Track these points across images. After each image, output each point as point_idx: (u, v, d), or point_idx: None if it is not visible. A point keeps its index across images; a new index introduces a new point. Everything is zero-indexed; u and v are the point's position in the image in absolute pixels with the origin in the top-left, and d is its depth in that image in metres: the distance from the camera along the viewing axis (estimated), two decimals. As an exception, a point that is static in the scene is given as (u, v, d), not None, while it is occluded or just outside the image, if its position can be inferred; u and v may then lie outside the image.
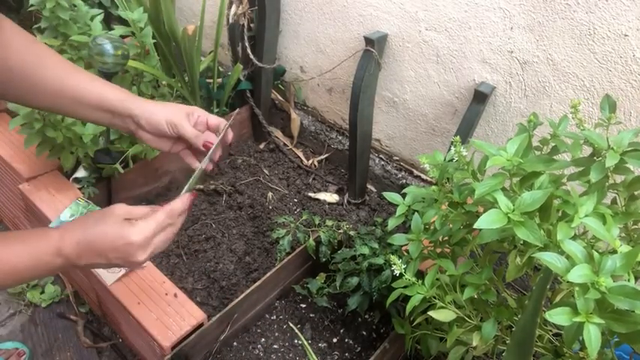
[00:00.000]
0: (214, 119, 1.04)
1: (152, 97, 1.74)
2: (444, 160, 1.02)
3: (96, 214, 0.88)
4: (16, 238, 0.84)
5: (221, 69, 2.17)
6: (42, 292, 1.56)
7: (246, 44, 1.82)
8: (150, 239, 0.87)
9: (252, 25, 1.82)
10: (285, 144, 2.02)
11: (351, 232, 1.46)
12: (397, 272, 0.98)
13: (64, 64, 0.97)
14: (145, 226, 0.86)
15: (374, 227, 1.49)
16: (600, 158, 0.81)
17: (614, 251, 0.74)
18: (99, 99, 0.97)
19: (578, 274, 0.66)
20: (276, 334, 1.43)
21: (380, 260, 1.29)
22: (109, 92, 0.99)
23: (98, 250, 0.84)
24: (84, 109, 0.98)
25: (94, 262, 0.86)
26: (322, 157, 1.97)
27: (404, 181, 1.75)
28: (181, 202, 0.92)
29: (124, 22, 1.64)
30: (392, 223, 1.08)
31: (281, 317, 1.47)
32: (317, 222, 1.51)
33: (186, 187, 0.96)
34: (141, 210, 0.90)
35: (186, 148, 1.06)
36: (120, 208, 0.88)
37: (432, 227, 1.06)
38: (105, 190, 1.56)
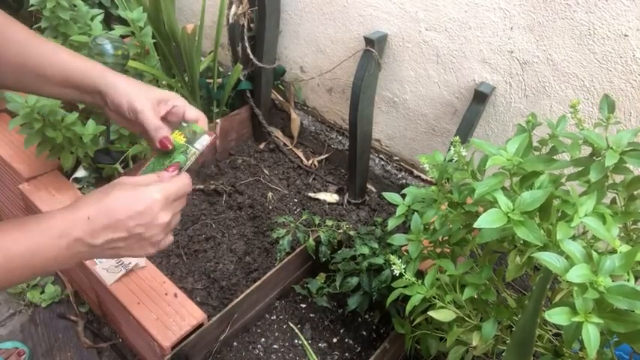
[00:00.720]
0: (193, 112, 0.93)
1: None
2: (444, 160, 1.02)
3: (100, 189, 0.78)
4: (13, 224, 0.71)
5: (221, 69, 2.17)
6: (42, 292, 1.56)
7: (246, 44, 1.82)
8: (170, 199, 0.79)
9: (252, 25, 1.82)
10: (285, 144, 2.02)
11: (351, 232, 1.46)
12: (397, 272, 0.98)
13: (26, 37, 0.87)
14: (164, 185, 0.79)
15: (374, 227, 1.49)
16: (600, 158, 0.81)
17: (614, 251, 0.74)
18: (63, 73, 0.87)
19: (577, 274, 0.66)
20: (276, 334, 1.43)
21: (380, 260, 1.29)
22: (74, 65, 0.88)
23: (116, 218, 0.74)
24: (49, 86, 0.89)
25: (112, 237, 0.74)
26: (322, 157, 1.97)
27: (404, 181, 1.75)
28: (187, 177, 0.85)
29: (124, 22, 1.64)
30: (392, 223, 1.08)
31: (281, 317, 1.47)
32: (317, 222, 1.51)
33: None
34: (149, 177, 0.83)
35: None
36: (126, 178, 0.79)
37: (431, 227, 1.06)
38: (105, 190, 1.56)
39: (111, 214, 0.74)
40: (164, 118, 0.92)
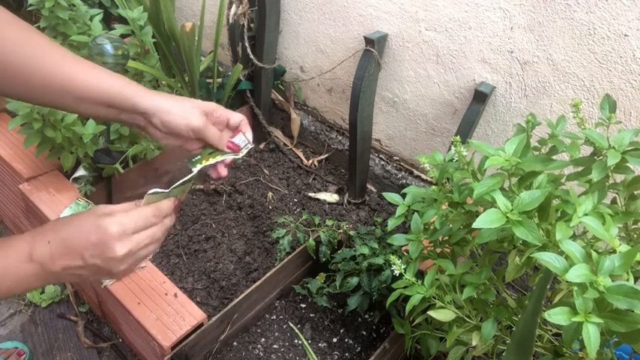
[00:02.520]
0: (236, 117, 0.95)
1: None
2: (444, 160, 1.02)
3: (71, 215, 0.79)
4: None
5: (221, 69, 2.17)
6: (42, 292, 1.56)
7: (246, 44, 1.82)
8: (129, 232, 0.76)
9: (252, 25, 1.82)
10: (285, 144, 2.02)
11: (351, 232, 1.46)
12: (397, 272, 0.98)
13: (62, 56, 0.85)
14: (125, 216, 0.76)
15: (374, 227, 1.49)
16: (601, 157, 0.81)
17: (614, 251, 0.74)
18: (101, 94, 0.86)
19: (577, 274, 0.66)
20: (276, 334, 1.43)
21: (380, 260, 1.29)
22: (112, 86, 0.86)
23: (72, 248, 0.74)
24: (87, 106, 0.86)
25: (69, 265, 0.74)
26: (322, 157, 1.97)
27: (404, 181, 1.75)
28: (168, 203, 0.83)
29: (123, 22, 1.64)
30: (392, 223, 1.08)
31: (281, 317, 1.47)
32: (317, 222, 1.51)
33: (179, 183, 0.86)
34: (123, 205, 0.80)
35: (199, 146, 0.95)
36: (101, 207, 0.78)
37: (431, 227, 1.06)
38: (105, 190, 1.56)
39: (67, 243, 0.74)
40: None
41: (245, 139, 0.98)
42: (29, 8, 1.38)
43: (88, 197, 1.47)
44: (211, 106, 0.94)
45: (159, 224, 0.81)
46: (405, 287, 0.99)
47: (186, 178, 0.87)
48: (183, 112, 0.89)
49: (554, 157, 0.84)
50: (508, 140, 0.83)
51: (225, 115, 0.95)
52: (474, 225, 0.75)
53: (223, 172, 0.97)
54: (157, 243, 0.82)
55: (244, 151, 0.98)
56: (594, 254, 0.68)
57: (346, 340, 1.42)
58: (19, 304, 1.56)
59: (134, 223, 0.77)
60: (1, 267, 0.72)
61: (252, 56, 1.83)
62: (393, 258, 0.98)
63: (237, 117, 0.96)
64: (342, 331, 1.44)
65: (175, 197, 0.87)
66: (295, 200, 1.81)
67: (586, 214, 0.75)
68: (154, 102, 0.88)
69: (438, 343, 1.12)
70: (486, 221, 0.75)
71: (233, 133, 0.98)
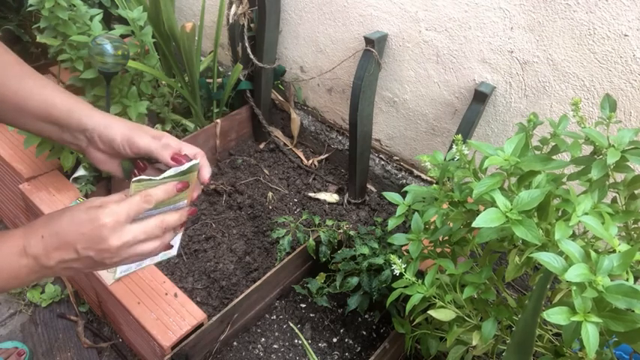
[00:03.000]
0: (190, 150, 0.86)
1: (152, 97, 1.74)
2: (445, 159, 1.02)
3: (63, 208, 0.77)
4: None
5: (221, 69, 2.17)
6: (42, 292, 1.56)
7: (246, 44, 1.82)
8: (123, 222, 0.74)
9: (252, 25, 1.82)
10: (285, 144, 2.02)
11: (351, 232, 1.46)
12: (397, 272, 0.98)
13: (12, 67, 0.84)
14: (116, 206, 0.74)
15: (374, 227, 1.49)
16: (601, 156, 0.81)
17: (614, 250, 0.74)
18: (44, 108, 0.83)
19: (575, 274, 0.66)
20: (276, 334, 1.43)
21: (380, 260, 1.29)
22: (57, 100, 0.84)
23: (65, 240, 0.72)
24: (27, 119, 0.85)
25: (64, 258, 0.73)
26: (322, 157, 1.97)
27: (404, 181, 1.75)
28: (162, 191, 0.78)
29: (123, 22, 1.64)
30: (392, 222, 1.08)
31: (281, 317, 1.47)
32: (317, 222, 1.51)
33: (169, 173, 0.80)
34: (114, 196, 0.78)
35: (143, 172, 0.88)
36: (92, 199, 0.77)
37: (432, 227, 1.06)
38: (104, 190, 1.57)
39: (60, 236, 0.73)
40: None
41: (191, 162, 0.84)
42: (29, 9, 1.38)
43: (88, 197, 1.47)
44: (159, 132, 0.86)
45: (156, 218, 0.78)
46: (405, 287, 0.99)
47: (180, 169, 0.81)
48: (123, 125, 0.84)
49: (556, 157, 0.84)
50: (508, 140, 0.83)
51: (176, 146, 0.85)
52: (474, 224, 0.75)
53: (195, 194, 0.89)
54: (156, 241, 0.78)
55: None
56: (593, 254, 0.68)
57: (346, 340, 1.42)
58: (19, 304, 1.56)
59: (126, 212, 0.74)
60: None
61: (252, 56, 1.83)
62: (393, 257, 0.98)
63: (191, 150, 0.86)
64: (342, 331, 1.44)
65: (176, 190, 0.80)
66: (295, 200, 1.81)
67: (585, 214, 0.75)
68: (98, 117, 0.85)
69: (438, 342, 1.12)
70: (486, 220, 0.75)
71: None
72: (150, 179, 0.79)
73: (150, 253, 0.79)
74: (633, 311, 0.65)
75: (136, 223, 0.76)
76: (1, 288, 0.73)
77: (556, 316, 0.66)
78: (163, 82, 1.77)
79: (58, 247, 0.73)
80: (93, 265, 0.75)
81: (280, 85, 2.01)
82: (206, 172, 0.87)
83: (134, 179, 0.78)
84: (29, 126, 0.87)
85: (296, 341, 1.41)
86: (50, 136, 0.88)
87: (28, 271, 0.73)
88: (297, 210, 1.77)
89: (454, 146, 0.91)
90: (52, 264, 0.73)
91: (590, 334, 0.65)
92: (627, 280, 0.71)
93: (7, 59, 0.86)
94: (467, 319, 0.96)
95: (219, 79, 1.95)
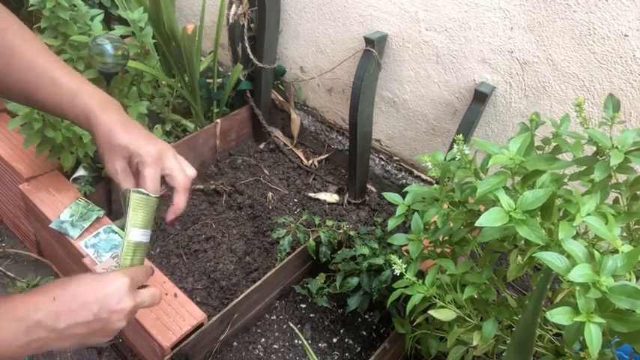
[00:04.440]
0: (148, 172, 0.85)
1: (152, 98, 1.74)
2: (445, 159, 1.02)
3: (63, 278, 0.77)
4: None
5: (221, 69, 2.17)
6: (42, 292, 1.56)
7: (246, 44, 1.82)
8: (135, 283, 0.79)
9: (252, 25, 1.82)
10: (285, 144, 2.02)
11: (351, 232, 1.46)
12: (398, 272, 0.98)
13: (29, 63, 0.86)
14: (130, 271, 0.80)
15: (374, 227, 1.49)
16: (604, 157, 0.81)
17: (616, 251, 0.74)
18: (60, 111, 0.87)
19: (579, 274, 0.66)
20: (276, 334, 1.43)
21: (380, 260, 1.29)
22: (66, 105, 0.86)
23: (83, 301, 0.73)
24: (53, 114, 0.90)
25: (76, 322, 0.72)
26: (322, 157, 1.96)
27: (404, 181, 1.75)
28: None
29: (124, 22, 1.64)
30: (392, 223, 1.08)
31: (281, 317, 1.47)
32: (317, 222, 1.51)
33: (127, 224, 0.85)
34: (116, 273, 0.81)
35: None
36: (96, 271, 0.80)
37: (432, 227, 1.06)
38: (104, 190, 1.56)
39: (78, 297, 0.73)
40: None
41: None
42: (30, 8, 1.38)
43: (88, 197, 1.47)
44: (137, 152, 0.85)
45: (150, 289, 0.84)
46: (405, 287, 0.99)
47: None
48: (105, 147, 0.85)
49: (557, 157, 0.84)
50: (512, 139, 0.83)
51: (143, 170, 0.85)
52: (477, 223, 0.75)
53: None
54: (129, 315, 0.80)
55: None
56: (597, 254, 0.68)
57: (346, 340, 1.42)
58: (18, 305, 1.56)
59: (139, 276, 0.81)
60: None
61: (252, 56, 1.83)
62: (393, 258, 0.98)
63: (148, 173, 0.85)
64: (342, 331, 1.44)
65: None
66: (295, 200, 1.81)
67: (589, 214, 0.75)
68: (94, 122, 0.85)
69: (438, 342, 1.12)
70: (489, 220, 0.75)
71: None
72: (147, 195, 0.85)
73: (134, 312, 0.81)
74: (636, 312, 0.65)
75: (142, 290, 0.82)
76: None
77: (559, 316, 0.66)
78: (163, 83, 1.77)
79: (73, 308, 0.72)
80: (98, 331, 0.75)
81: (280, 85, 2.01)
82: (179, 201, 0.89)
83: (133, 190, 0.83)
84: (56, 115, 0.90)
85: (296, 341, 1.41)
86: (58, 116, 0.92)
87: (27, 337, 0.69)
88: (297, 210, 1.77)
89: (455, 146, 0.91)
90: (61, 327, 0.71)
91: (594, 335, 0.65)
92: (630, 280, 0.71)
93: (29, 51, 0.87)
94: (467, 319, 0.96)
95: (220, 79, 1.95)
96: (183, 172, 0.89)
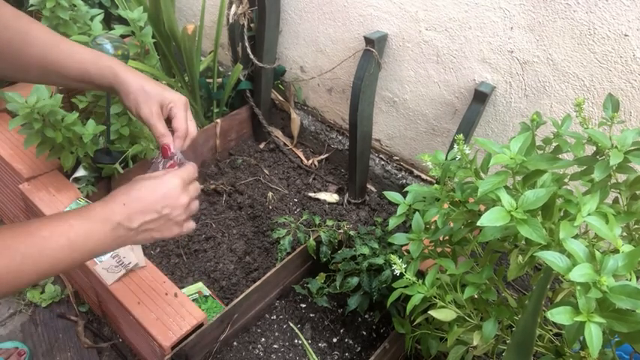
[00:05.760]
0: (178, 123, 1.01)
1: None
2: (445, 159, 1.02)
3: (123, 186, 0.88)
4: (52, 218, 0.79)
5: (221, 69, 2.17)
6: (42, 292, 1.56)
7: (246, 44, 1.82)
8: (185, 182, 0.90)
9: (252, 25, 1.82)
10: (285, 144, 2.02)
11: (351, 232, 1.46)
12: (398, 272, 0.98)
13: (47, 39, 0.96)
14: (177, 172, 0.91)
15: (374, 227, 1.49)
16: (604, 157, 0.81)
17: (616, 251, 0.74)
18: (81, 72, 0.97)
19: (580, 273, 0.66)
20: (276, 333, 1.43)
21: (380, 260, 1.29)
22: (90, 64, 0.97)
23: (147, 202, 0.85)
24: (70, 82, 0.99)
25: (145, 220, 0.84)
26: (322, 157, 1.97)
27: (404, 181, 1.75)
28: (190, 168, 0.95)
29: (124, 22, 1.64)
30: (392, 222, 1.08)
31: (281, 317, 1.47)
32: (317, 222, 1.51)
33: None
34: (158, 172, 0.93)
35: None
36: (141, 176, 0.90)
37: (432, 226, 1.06)
38: (105, 190, 1.56)
39: (142, 200, 0.84)
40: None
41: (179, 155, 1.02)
42: (30, 8, 1.38)
43: (89, 197, 1.47)
44: (170, 99, 1.00)
45: (195, 184, 0.95)
46: (405, 287, 0.99)
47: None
48: (137, 97, 0.98)
49: (558, 157, 0.84)
50: (513, 138, 0.83)
51: (174, 115, 1.01)
52: (479, 223, 0.75)
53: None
54: (197, 201, 0.94)
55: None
56: (597, 254, 0.68)
57: (346, 340, 1.42)
58: (19, 304, 1.56)
59: (187, 176, 0.91)
60: (89, 228, 0.79)
61: (252, 56, 1.83)
62: (393, 257, 0.97)
63: (178, 124, 1.01)
64: (342, 331, 1.44)
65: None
66: (295, 200, 1.81)
67: (590, 214, 0.75)
68: (122, 80, 0.98)
69: (438, 342, 1.12)
70: (491, 219, 0.75)
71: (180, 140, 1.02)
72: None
73: (195, 212, 0.94)
74: (636, 312, 0.65)
75: (191, 185, 0.93)
76: (88, 255, 0.80)
77: (559, 315, 0.66)
78: (163, 82, 1.77)
79: (141, 210, 0.84)
80: (165, 225, 0.88)
81: (280, 85, 2.01)
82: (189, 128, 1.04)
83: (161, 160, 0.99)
84: (73, 86, 1.07)
85: (296, 341, 1.41)
86: (94, 90, 1.09)
87: (113, 236, 0.81)
88: (297, 210, 1.77)
89: (455, 146, 0.91)
90: (135, 226, 0.83)
91: (594, 335, 0.65)
92: (630, 280, 0.71)
93: (39, 31, 0.96)
94: (467, 319, 0.96)
95: (219, 79, 1.95)
96: (194, 123, 1.06)
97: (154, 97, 0.99)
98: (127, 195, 0.85)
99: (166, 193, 0.87)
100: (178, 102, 1.01)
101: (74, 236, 0.77)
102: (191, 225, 0.94)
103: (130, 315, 1.22)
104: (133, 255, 1.29)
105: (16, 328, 1.51)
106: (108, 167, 1.48)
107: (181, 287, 1.42)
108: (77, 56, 0.97)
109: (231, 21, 1.82)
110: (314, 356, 0.98)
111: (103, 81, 0.98)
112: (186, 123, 1.02)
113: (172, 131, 1.01)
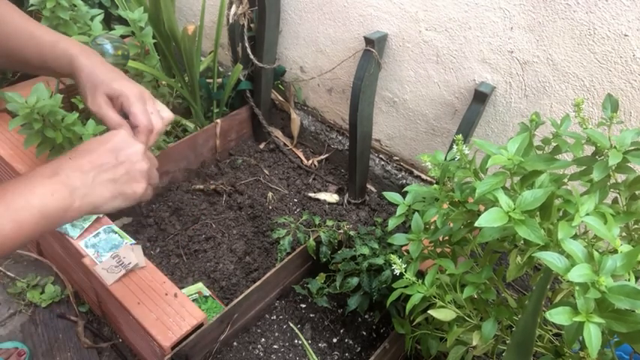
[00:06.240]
0: (139, 117, 0.92)
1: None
2: (445, 159, 1.02)
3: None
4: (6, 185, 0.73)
5: (221, 69, 2.17)
6: (42, 292, 1.56)
7: (246, 44, 1.82)
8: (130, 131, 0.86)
9: (252, 25, 1.82)
10: (285, 144, 2.02)
11: (351, 232, 1.46)
12: (398, 272, 0.98)
13: (11, 22, 0.92)
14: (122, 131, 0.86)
15: (374, 227, 1.49)
16: (602, 157, 0.81)
17: (615, 251, 0.74)
18: (40, 62, 0.94)
19: (579, 274, 0.66)
20: (276, 334, 1.43)
21: (380, 260, 1.29)
22: (49, 51, 0.93)
23: (95, 150, 0.79)
24: (33, 70, 0.98)
25: (101, 167, 0.78)
26: (322, 157, 1.97)
27: (404, 181, 1.75)
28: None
29: (124, 22, 1.64)
30: (392, 222, 1.08)
31: (281, 317, 1.47)
32: (317, 222, 1.51)
33: None
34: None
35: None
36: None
37: (432, 227, 1.06)
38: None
39: (89, 149, 0.79)
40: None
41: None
42: (30, 8, 1.38)
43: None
44: (120, 91, 0.92)
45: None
46: (405, 287, 0.99)
47: None
48: (87, 87, 0.92)
49: (558, 157, 0.84)
50: (511, 139, 0.83)
51: (127, 107, 0.92)
52: (477, 224, 0.75)
53: None
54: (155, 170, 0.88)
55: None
56: (596, 254, 0.68)
57: (346, 340, 1.42)
58: (19, 304, 1.56)
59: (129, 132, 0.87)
60: (29, 182, 0.72)
61: (252, 56, 1.83)
62: (393, 257, 0.98)
63: (139, 118, 0.92)
64: (342, 331, 1.44)
65: None
66: (295, 200, 1.81)
67: (588, 214, 0.75)
68: (77, 66, 0.92)
69: (438, 342, 1.12)
70: (488, 220, 0.75)
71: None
72: None
73: (154, 179, 0.88)
74: (635, 312, 0.65)
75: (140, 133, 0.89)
76: (50, 216, 0.73)
77: (558, 316, 0.66)
78: (163, 82, 1.77)
79: (89, 160, 0.77)
80: (126, 176, 0.81)
81: (280, 85, 2.01)
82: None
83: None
84: (36, 73, 1.03)
85: (296, 341, 1.41)
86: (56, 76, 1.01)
87: (67, 191, 0.74)
88: (297, 210, 1.77)
89: (455, 146, 0.91)
90: (90, 174, 0.76)
91: (593, 335, 0.65)
92: (629, 280, 0.71)
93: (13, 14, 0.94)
94: (467, 319, 0.96)
95: (219, 79, 1.95)
96: (159, 115, 0.95)
97: (100, 86, 0.91)
98: (73, 151, 0.80)
99: (116, 140, 0.81)
100: (130, 95, 0.92)
101: (29, 194, 0.71)
102: (150, 192, 0.87)
103: (130, 315, 1.22)
104: (133, 255, 1.29)
105: (16, 328, 1.51)
106: (108, 167, 1.47)
107: (181, 287, 1.43)
108: (36, 41, 0.92)
109: (231, 21, 1.82)
110: (314, 356, 0.98)
111: (60, 68, 0.93)
112: (147, 116, 0.92)
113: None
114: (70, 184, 0.74)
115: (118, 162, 0.80)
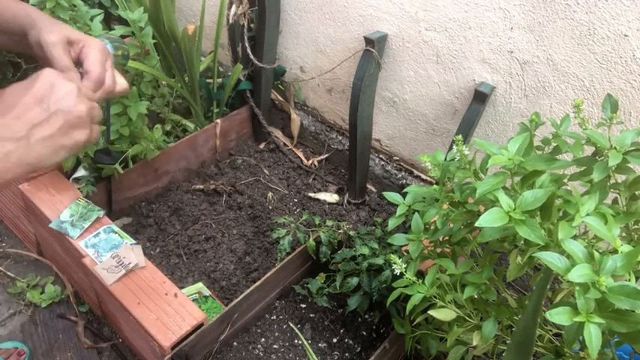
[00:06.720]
0: (93, 65, 0.83)
1: (152, 98, 1.74)
2: (445, 159, 1.02)
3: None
4: None
5: (221, 69, 2.17)
6: (42, 292, 1.56)
7: (246, 44, 1.82)
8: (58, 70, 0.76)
9: (252, 25, 1.82)
10: (285, 144, 2.02)
11: (351, 233, 1.46)
12: (398, 272, 0.98)
13: None
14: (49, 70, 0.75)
15: (374, 227, 1.49)
16: (602, 158, 0.81)
17: (615, 251, 0.74)
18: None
19: (579, 274, 0.66)
20: (276, 334, 1.43)
21: (380, 260, 1.29)
22: (6, 9, 0.87)
23: (21, 101, 0.69)
24: None
25: (33, 123, 0.68)
26: (322, 157, 1.97)
27: (404, 181, 1.75)
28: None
29: (124, 22, 1.64)
30: (392, 223, 1.08)
31: (281, 317, 1.47)
32: (317, 222, 1.51)
33: None
34: None
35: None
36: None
37: (432, 227, 1.06)
38: (104, 190, 1.56)
39: (13, 103, 0.69)
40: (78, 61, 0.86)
41: None
42: (29, 8, 1.38)
43: (88, 197, 1.47)
44: (81, 38, 0.85)
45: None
46: (405, 287, 0.99)
47: None
48: (42, 25, 0.84)
49: (557, 157, 0.84)
50: (511, 139, 0.83)
51: (85, 55, 0.84)
52: (477, 224, 0.75)
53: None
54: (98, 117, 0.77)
55: None
56: (596, 254, 0.68)
57: (346, 340, 1.42)
58: (19, 305, 1.56)
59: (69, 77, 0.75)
60: None
61: (252, 56, 1.83)
62: (393, 257, 0.97)
63: (93, 66, 0.83)
64: (342, 331, 1.44)
65: None
66: (295, 200, 1.81)
67: (588, 214, 0.75)
68: (33, 18, 0.86)
69: (438, 343, 1.12)
70: (489, 220, 0.75)
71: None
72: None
73: (97, 117, 0.77)
74: (635, 312, 0.65)
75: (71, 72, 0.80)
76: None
77: (558, 316, 0.66)
78: (163, 83, 1.77)
79: (16, 115, 0.68)
80: (67, 126, 0.71)
81: (280, 85, 2.01)
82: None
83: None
84: None
85: (296, 341, 1.41)
86: (6, 47, 0.91)
87: (3, 154, 0.65)
88: (297, 210, 1.77)
89: (455, 147, 0.91)
90: (22, 133, 0.67)
91: (593, 335, 0.65)
92: (629, 280, 0.71)
93: None
94: (467, 319, 0.96)
95: (219, 79, 1.95)
96: (115, 78, 0.88)
97: (63, 26, 0.85)
98: None
99: (43, 86, 0.70)
100: (94, 44, 0.85)
101: None
102: (96, 132, 0.76)
103: (130, 315, 1.22)
104: (133, 255, 1.29)
105: (16, 328, 1.51)
106: (108, 167, 1.48)
107: (181, 287, 1.43)
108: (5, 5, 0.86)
109: (231, 21, 1.82)
110: (314, 356, 0.98)
111: (15, 24, 0.86)
112: (104, 68, 0.84)
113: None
114: (6, 151, 0.66)
115: (51, 112, 0.69)
